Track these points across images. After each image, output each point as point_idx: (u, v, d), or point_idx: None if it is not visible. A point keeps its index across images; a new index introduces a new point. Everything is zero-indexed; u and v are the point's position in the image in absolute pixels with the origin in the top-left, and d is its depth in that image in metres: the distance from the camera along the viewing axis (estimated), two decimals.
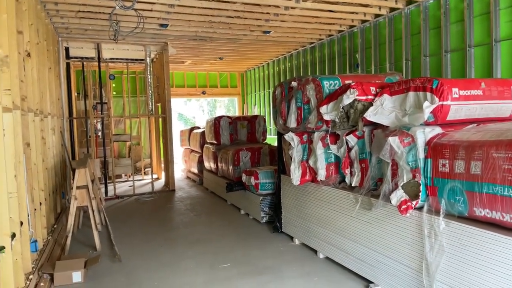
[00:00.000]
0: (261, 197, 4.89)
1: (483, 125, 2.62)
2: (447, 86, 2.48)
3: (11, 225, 2.69)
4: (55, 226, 4.66)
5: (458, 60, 4.95)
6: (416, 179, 2.49)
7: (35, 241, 3.40)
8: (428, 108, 2.50)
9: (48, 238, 4.11)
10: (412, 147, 2.53)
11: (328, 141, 3.48)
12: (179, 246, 4.19)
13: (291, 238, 4.19)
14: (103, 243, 4.21)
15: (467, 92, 2.57)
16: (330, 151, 3.51)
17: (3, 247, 2.52)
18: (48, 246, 3.86)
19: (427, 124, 2.60)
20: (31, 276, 3.04)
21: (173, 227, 5.03)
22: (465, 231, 2.16)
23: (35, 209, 3.60)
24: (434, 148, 2.43)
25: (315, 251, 3.73)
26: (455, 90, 2.51)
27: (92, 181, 4.35)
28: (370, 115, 2.90)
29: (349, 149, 3.26)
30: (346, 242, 3.24)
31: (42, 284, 3.08)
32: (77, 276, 3.19)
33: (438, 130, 2.56)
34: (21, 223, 3.01)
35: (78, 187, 4.02)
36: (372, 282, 2.94)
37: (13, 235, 2.76)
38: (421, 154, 2.49)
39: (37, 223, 3.65)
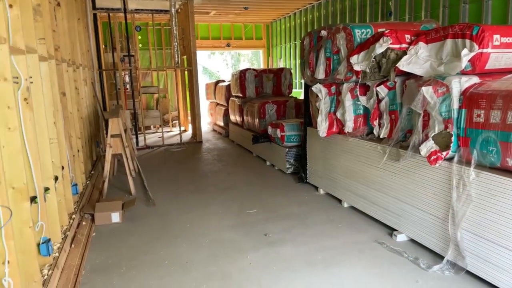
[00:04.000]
0: (287, 149, 4.95)
1: None
2: (488, 32, 2.36)
3: (53, 169, 2.89)
4: (92, 172, 4.94)
5: (500, 6, 4.61)
6: (448, 130, 2.45)
7: (75, 184, 3.64)
8: (466, 56, 2.39)
9: (87, 182, 4.38)
10: (446, 97, 2.47)
11: (358, 92, 3.42)
12: (208, 193, 4.38)
13: (316, 188, 4.28)
14: (137, 189, 4.46)
15: (509, 39, 2.43)
16: (359, 103, 3.47)
17: (48, 188, 2.73)
18: (87, 190, 4.13)
19: (463, 73, 2.50)
20: (74, 216, 3.30)
21: (202, 176, 5.23)
22: (496, 181, 2.15)
23: (73, 156, 3.81)
24: (469, 98, 2.36)
25: (340, 201, 3.82)
26: (496, 37, 2.38)
27: (125, 130, 4.52)
28: (403, 65, 2.81)
29: (379, 101, 3.21)
30: (371, 192, 3.30)
31: (84, 223, 3.34)
32: (115, 217, 3.44)
33: (475, 79, 2.47)
34: (62, 168, 3.22)
35: (112, 136, 4.19)
36: (395, 230, 3.02)
37: (56, 178, 2.96)
38: (456, 104, 2.43)
39: (76, 169, 3.88)
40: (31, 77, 2.60)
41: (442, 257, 2.51)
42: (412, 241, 2.88)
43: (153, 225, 3.44)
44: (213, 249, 2.93)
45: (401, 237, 2.93)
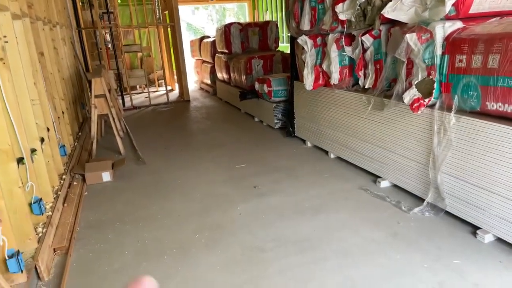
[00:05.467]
0: (274, 104, 4.95)
1: (507, 18, 2.48)
2: None
3: (38, 130, 2.87)
4: (80, 134, 4.91)
5: None
6: (431, 77, 2.47)
7: (63, 146, 3.63)
8: (450, 0, 2.36)
9: (75, 144, 4.37)
10: (430, 44, 2.46)
11: (343, 42, 3.38)
12: (198, 150, 4.42)
13: (304, 141, 4.35)
14: (127, 149, 4.47)
15: None
16: (344, 54, 3.44)
17: (35, 150, 2.72)
18: (76, 151, 4.13)
19: (447, 18, 2.48)
20: (64, 177, 3.32)
21: (191, 134, 5.24)
22: (475, 125, 2.21)
23: (58, 117, 3.77)
24: (452, 43, 2.36)
25: (326, 152, 3.91)
26: None
27: (109, 90, 4.44)
28: (388, 11, 2.76)
29: (364, 50, 3.18)
30: (356, 142, 3.37)
31: (75, 183, 3.38)
32: (106, 176, 3.48)
33: (458, 24, 2.45)
34: (48, 129, 3.20)
35: (96, 96, 4.13)
36: (379, 177, 3.12)
37: (42, 139, 2.95)
38: (439, 51, 2.43)
39: (63, 130, 3.85)
40: (5, 36, 2.50)
41: (422, 200, 2.63)
42: (395, 186, 3.00)
43: (145, 183, 3.50)
44: (205, 202, 3.01)
45: (384, 183, 3.05)
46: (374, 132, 3.12)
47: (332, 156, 3.81)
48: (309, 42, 3.74)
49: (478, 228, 2.28)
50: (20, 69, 2.67)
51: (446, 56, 2.40)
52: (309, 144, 4.24)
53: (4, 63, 2.29)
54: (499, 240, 2.19)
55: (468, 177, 2.30)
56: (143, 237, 2.54)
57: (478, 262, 2.04)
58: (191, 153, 4.32)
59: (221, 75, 7.35)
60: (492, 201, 2.17)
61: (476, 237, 2.25)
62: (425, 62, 2.49)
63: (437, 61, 2.44)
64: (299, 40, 3.81)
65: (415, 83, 2.55)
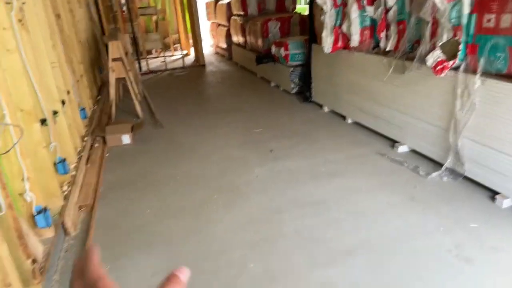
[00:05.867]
0: (291, 68, 4.86)
1: None
2: None
3: (59, 93, 2.91)
4: (99, 97, 4.97)
5: None
6: (456, 38, 2.37)
7: (83, 109, 3.69)
8: None
9: (94, 107, 4.44)
10: (457, 2, 2.34)
11: (365, 2, 3.24)
12: (214, 114, 4.43)
13: (320, 106, 4.30)
14: (144, 113, 4.52)
15: None
16: (365, 14, 3.31)
17: (56, 112, 2.78)
18: (96, 114, 4.21)
19: None
20: (86, 139, 3.41)
21: (207, 99, 5.24)
22: (501, 88, 2.14)
23: (77, 81, 3.81)
24: (481, 2, 2.23)
25: (344, 117, 3.86)
26: None
27: (126, 54, 4.43)
28: None
29: (387, 10, 3.05)
30: (375, 106, 3.31)
31: (96, 145, 3.47)
32: (126, 139, 3.55)
33: None
34: (68, 92, 3.24)
35: (113, 60, 4.13)
36: (397, 142, 3.09)
37: (63, 102, 3.00)
38: (466, 9, 2.31)
39: (82, 94, 3.91)
40: None
41: (441, 165, 2.61)
42: (413, 151, 2.97)
43: (163, 146, 3.57)
44: (221, 165, 3.06)
45: (402, 148, 3.02)
46: (394, 96, 3.05)
47: (349, 121, 3.77)
48: (329, 2, 3.60)
49: (497, 193, 2.26)
50: (38, 31, 2.68)
51: (473, 15, 2.28)
52: (326, 109, 4.19)
53: (22, 24, 2.29)
54: None
55: (490, 142, 2.25)
56: (163, 197, 2.62)
57: (496, 226, 2.04)
58: (207, 117, 4.34)
59: (236, 38, 7.21)
60: None
61: (494, 202, 2.24)
62: (451, 22, 2.38)
63: (464, 20, 2.33)
64: (318, 0, 3.67)
65: (440, 44, 2.45)
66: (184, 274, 0.37)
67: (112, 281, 0.37)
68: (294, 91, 4.95)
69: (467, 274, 1.72)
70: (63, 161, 2.49)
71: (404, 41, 2.87)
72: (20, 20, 2.28)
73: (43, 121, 2.38)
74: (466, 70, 2.36)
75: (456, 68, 2.42)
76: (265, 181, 2.74)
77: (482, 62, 2.26)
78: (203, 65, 7.62)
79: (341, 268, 1.81)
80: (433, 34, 2.55)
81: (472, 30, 2.31)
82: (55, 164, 2.45)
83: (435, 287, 1.66)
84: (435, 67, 2.47)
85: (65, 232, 2.23)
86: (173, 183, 2.82)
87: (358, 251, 1.92)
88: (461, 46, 2.35)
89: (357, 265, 1.83)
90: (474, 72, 2.30)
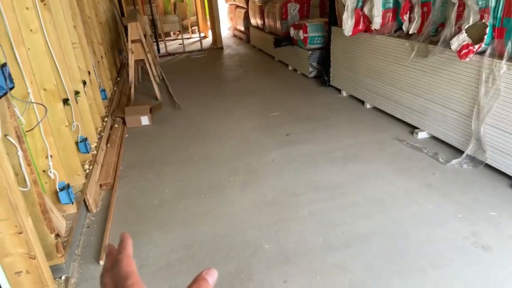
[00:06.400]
0: (310, 52, 4.79)
1: None
2: None
3: (80, 73, 2.96)
4: (118, 79, 5.04)
5: None
6: (483, 20, 2.28)
7: (104, 90, 3.75)
8: None
9: (114, 89, 4.51)
10: None
11: None
12: (231, 97, 4.44)
13: (339, 91, 4.24)
14: (163, 95, 4.56)
15: None
16: None
17: (78, 92, 2.84)
18: (115, 95, 4.27)
19: None
20: (106, 119, 3.48)
21: (225, 82, 5.24)
22: None
23: (98, 62, 3.86)
24: None
25: (362, 102, 3.81)
26: None
27: (145, 36, 4.45)
28: None
29: None
30: (395, 91, 3.25)
31: (116, 126, 3.53)
32: (145, 120, 3.60)
33: None
34: (89, 73, 3.30)
35: (132, 41, 4.16)
36: (417, 128, 3.04)
37: (84, 82, 3.06)
38: None
39: (102, 75, 3.97)
40: None
41: (461, 152, 2.56)
42: (433, 138, 2.91)
43: (181, 128, 3.60)
44: (238, 148, 3.08)
45: (422, 135, 2.96)
46: (415, 81, 2.98)
47: (368, 106, 3.72)
48: None
49: None
50: (60, 12, 2.72)
51: None
52: (344, 94, 4.14)
53: (45, 4, 2.33)
54: None
55: None
56: (181, 177, 2.67)
57: None
58: (224, 100, 4.35)
59: (255, 21, 7.12)
60: None
61: None
62: (478, 4, 2.29)
63: (492, 3, 2.24)
64: None
65: (466, 27, 2.37)
66: (213, 277, 0.36)
67: (140, 280, 0.36)
68: (312, 75, 4.89)
69: (485, 263, 1.70)
70: (84, 140, 2.55)
71: (428, 24, 2.79)
72: (42, 0, 2.32)
73: (66, 101, 2.43)
74: (492, 55, 2.28)
75: (481, 53, 2.34)
76: (281, 164, 2.75)
77: (509, 46, 2.18)
78: (221, 48, 7.59)
79: (355, 251, 1.82)
80: (459, 16, 2.46)
81: (500, 12, 2.22)
82: (77, 143, 2.52)
83: (451, 275, 1.66)
84: (460, 51, 2.39)
85: (87, 209, 2.31)
86: (190, 164, 2.86)
87: (373, 236, 1.92)
88: (487, 30, 2.27)
89: (371, 249, 1.83)
90: (500, 57, 2.22)
